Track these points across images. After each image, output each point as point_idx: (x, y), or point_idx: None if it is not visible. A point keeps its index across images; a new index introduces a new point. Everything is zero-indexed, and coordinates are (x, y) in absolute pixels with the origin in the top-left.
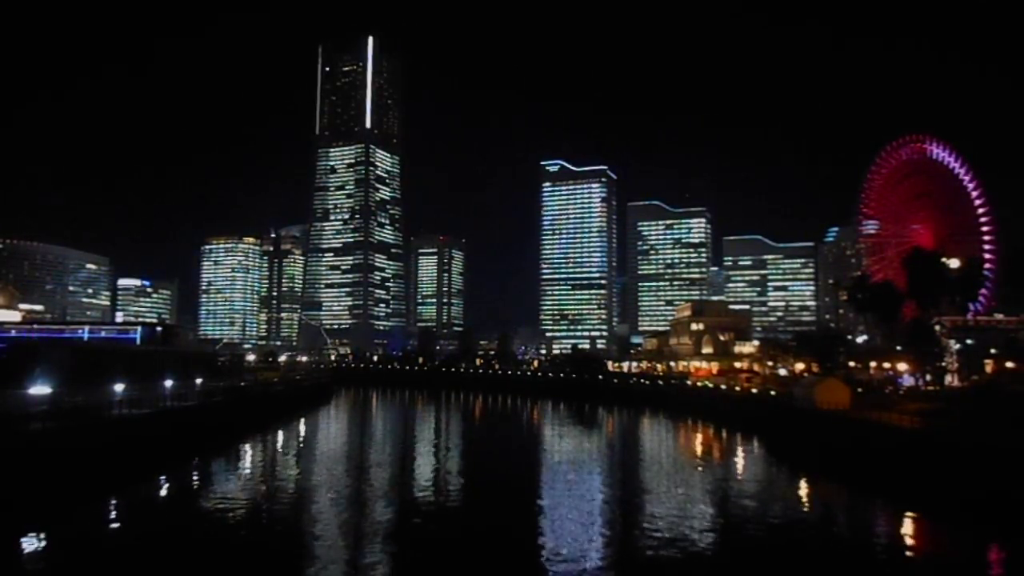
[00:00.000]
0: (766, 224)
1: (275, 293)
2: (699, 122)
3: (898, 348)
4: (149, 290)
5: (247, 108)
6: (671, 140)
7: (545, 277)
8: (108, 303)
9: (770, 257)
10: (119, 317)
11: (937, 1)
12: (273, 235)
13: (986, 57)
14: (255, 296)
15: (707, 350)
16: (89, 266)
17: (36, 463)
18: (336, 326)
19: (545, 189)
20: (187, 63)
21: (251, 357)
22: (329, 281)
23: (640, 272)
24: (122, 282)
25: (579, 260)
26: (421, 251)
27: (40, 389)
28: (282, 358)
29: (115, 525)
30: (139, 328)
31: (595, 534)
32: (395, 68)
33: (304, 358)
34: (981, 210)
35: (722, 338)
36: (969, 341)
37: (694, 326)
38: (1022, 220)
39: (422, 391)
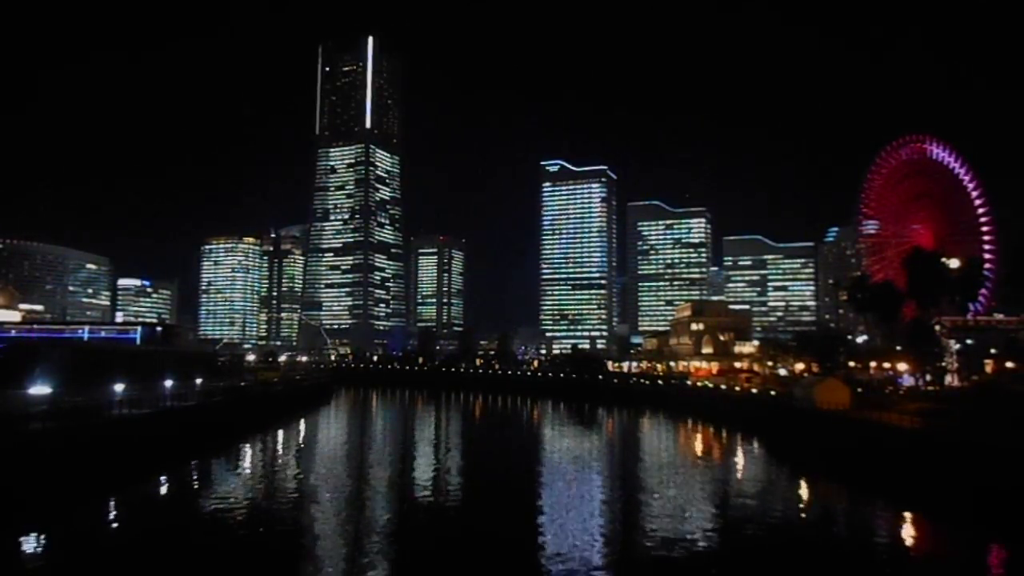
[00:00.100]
0: (766, 224)
1: (275, 293)
2: (699, 122)
3: (898, 348)
4: (149, 290)
5: (247, 108)
6: (671, 140)
7: (545, 277)
8: (108, 303)
9: (770, 257)
10: (119, 317)
11: (937, 1)
12: (273, 235)
13: (986, 57)
14: (255, 296)
15: (707, 350)
16: (89, 266)
17: (36, 463)
18: (336, 326)
19: (545, 189)
20: (187, 63)
21: (251, 357)
22: (329, 281)
23: (640, 272)
24: (122, 282)
25: (579, 260)
26: (421, 251)
27: (40, 389)
28: (282, 358)
29: (115, 525)
30: (139, 328)
31: (595, 534)
32: (395, 68)
33: (304, 358)
34: (981, 210)
35: (722, 338)
36: (969, 341)
37: (694, 326)
38: (1022, 220)
39: (422, 391)
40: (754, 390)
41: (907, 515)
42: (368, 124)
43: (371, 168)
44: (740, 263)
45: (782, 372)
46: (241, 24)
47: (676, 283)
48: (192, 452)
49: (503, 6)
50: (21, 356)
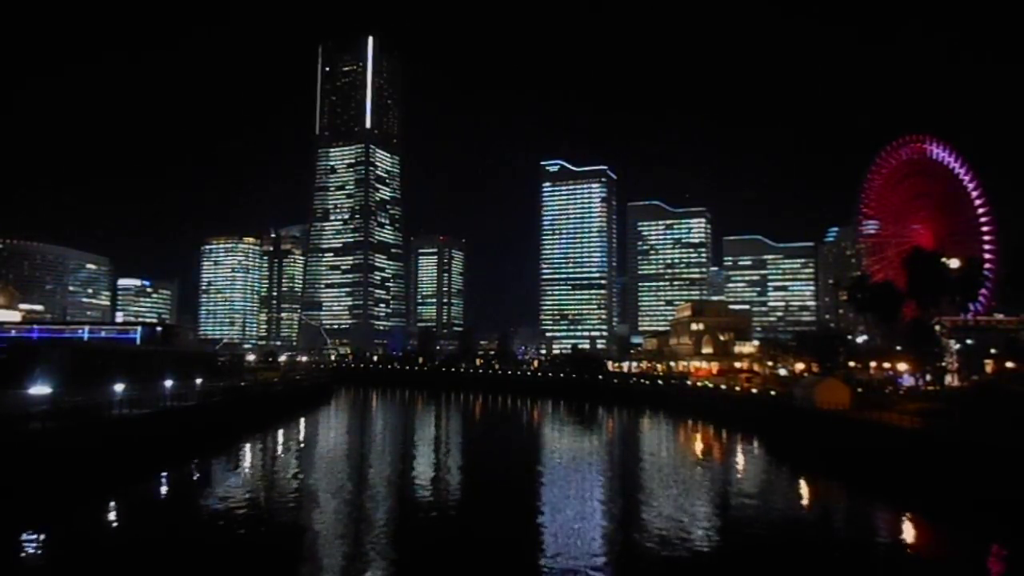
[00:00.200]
0: (766, 224)
1: (275, 293)
2: (699, 122)
3: (898, 348)
4: (149, 290)
5: (247, 108)
6: (671, 140)
7: (545, 277)
8: (108, 303)
9: (770, 257)
10: (119, 317)
11: (938, 1)
12: (273, 235)
13: (986, 57)
14: (255, 296)
15: (707, 350)
16: (89, 266)
17: (36, 463)
18: (336, 326)
19: (545, 189)
20: (187, 63)
21: (251, 357)
22: (329, 281)
23: (640, 272)
24: (122, 282)
25: (579, 260)
26: (421, 251)
27: (40, 389)
28: (282, 358)
29: (115, 525)
30: (139, 328)
31: (595, 534)
32: (395, 68)
33: (304, 358)
34: (981, 210)
35: (722, 338)
36: (969, 341)
37: (694, 326)
38: (1022, 220)
39: (422, 391)
40: (754, 390)
41: (907, 515)
42: (368, 124)
43: (371, 168)
44: (740, 263)
45: (782, 372)
46: (241, 24)
47: (676, 283)
48: (192, 452)
49: (503, 6)
50: (21, 356)
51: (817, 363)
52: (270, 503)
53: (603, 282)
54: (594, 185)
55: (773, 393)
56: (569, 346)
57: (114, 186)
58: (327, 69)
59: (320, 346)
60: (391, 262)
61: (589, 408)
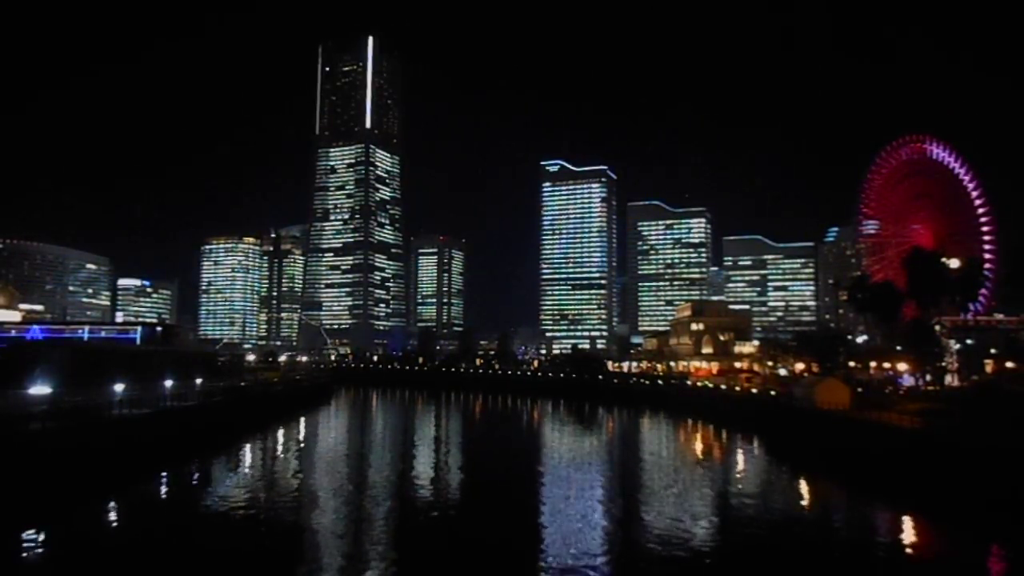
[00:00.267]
0: (766, 224)
1: (275, 293)
2: (699, 122)
3: (898, 348)
4: (149, 290)
5: (247, 108)
6: (671, 140)
7: (545, 277)
8: (108, 303)
9: (770, 257)
10: (119, 317)
11: (938, 1)
12: (273, 235)
13: (986, 57)
14: (255, 296)
15: (707, 350)
16: (89, 266)
17: (36, 463)
18: (336, 326)
19: (545, 189)
20: (187, 63)
21: (251, 357)
22: (329, 281)
23: (640, 272)
24: (122, 282)
25: (579, 260)
26: (421, 251)
27: (40, 389)
28: (282, 358)
29: (115, 525)
30: (139, 328)
31: (595, 533)
32: (395, 68)
33: (304, 358)
34: (981, 210)
35: (722, 338)
36: (969, 341)
37: (694, 326)
38: (1022, 220)
39: (422, 391)
40: (754, 390)
41: (907, 515)
42: (368, 124)
43: (371, 168)
44: (740, 263)
45: (782, 372)
46: (241, 24)
47: (676, 283)
48: (192, 452)
49: (503, 6)
50: (21, 356)
51: (817, 363)
52: (270, 503)
53: (603, 282)
54: (594, 185)
55: (773, 393)
56: (569, 346)
57: (114, 186)
58: (327, 69)
59: (320, 346)
60: (391, 262)
61: (589, 408)
